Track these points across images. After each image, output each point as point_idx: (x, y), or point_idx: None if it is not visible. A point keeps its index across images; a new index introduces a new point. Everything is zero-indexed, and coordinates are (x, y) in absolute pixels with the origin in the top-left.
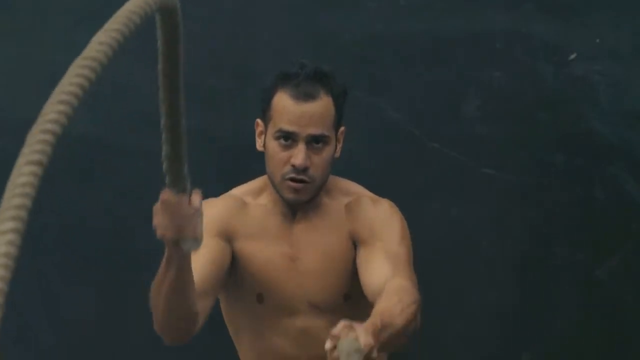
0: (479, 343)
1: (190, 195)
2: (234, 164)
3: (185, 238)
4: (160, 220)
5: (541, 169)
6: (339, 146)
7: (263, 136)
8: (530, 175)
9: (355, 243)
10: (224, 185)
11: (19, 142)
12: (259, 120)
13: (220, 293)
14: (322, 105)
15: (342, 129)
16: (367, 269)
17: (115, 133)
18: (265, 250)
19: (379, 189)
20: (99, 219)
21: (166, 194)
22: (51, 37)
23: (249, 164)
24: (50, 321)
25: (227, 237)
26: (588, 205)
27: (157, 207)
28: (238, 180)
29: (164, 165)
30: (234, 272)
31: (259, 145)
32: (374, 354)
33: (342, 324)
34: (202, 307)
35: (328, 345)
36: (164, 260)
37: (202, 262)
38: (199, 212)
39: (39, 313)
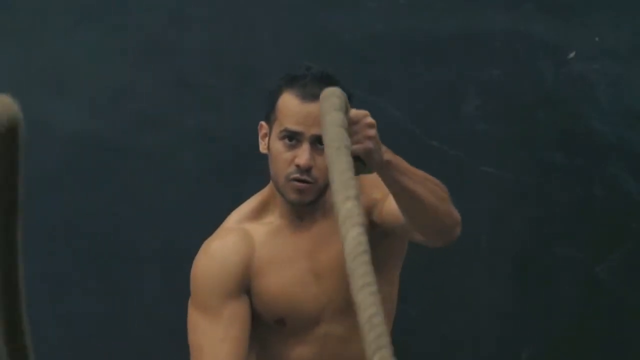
0: (479, 341)
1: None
2: (234, 164)
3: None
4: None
5: (540, 167)
6: None
7: (267, 138)
8: (529, 174)
9: (371, 213)
10: (224, 185)
11: (23, 138)
12: (262, 123)
13: None
14: None
15: None
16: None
17: (113, 133)
18: (282, 275)
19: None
20: (100, 218)
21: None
22: (51, 36)
23: (250, 164)
24: (53, 318)
25: (245, 286)
26: (587, 204)
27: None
28: (238, 180)
29: None
30: (252, 302)
31: (262, 148)
32: (367, 121)
33: None
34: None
35: None
36: None
37: (237, 337)
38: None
39: (43, 310)
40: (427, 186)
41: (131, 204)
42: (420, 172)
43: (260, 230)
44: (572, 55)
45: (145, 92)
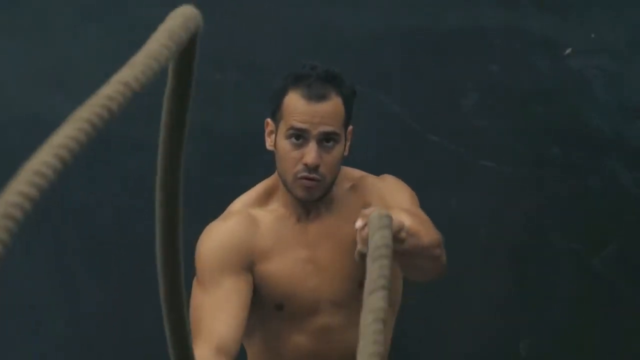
0: (477, 332)
1: None
2: (235, 158)
3: None
4: None
5: (538, 161)
6: (348, 144)
7: (273, 135)
8: (527, 168)
9: None
10: (227, 179)
11: (26, 136)
12: (268, 120)
13: None
14: (332, 105)
15: (350, 128)
16: None
17: (116, 128)
18: (285, 261)
19: None
20: (103, 211)
21: None
22: (53, 35)
23: (250, 158)
24: (57, 311)
25: (247, 265)
26: (583, 197)
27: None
28: (239, 174)
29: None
30: (253, 286)
31: (268, 145)
32: (403, 234)
33: (373, 208)
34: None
35: (359, 223)
36: None
37: (234, 308)
38: None
39: (47, 302)
40: (427, 254)
41: (135, 198)
42: (424, 241)
43: (265, 216)
44: (568, 51)
45: (148, 87)
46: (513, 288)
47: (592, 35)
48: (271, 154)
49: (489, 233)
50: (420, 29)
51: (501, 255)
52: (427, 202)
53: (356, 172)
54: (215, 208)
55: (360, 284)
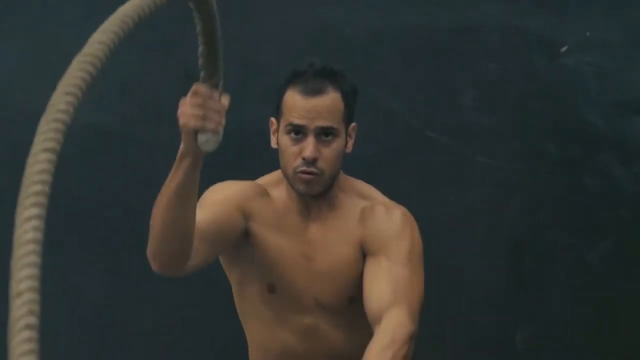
0: (474, 324)
1: (220, 94)
2: (237, 153)
3: (205, 130)
4: (185, 109)
5: (534, 157)
6: (351, 141)
7: (277, 133)
8: (523, 163)
9: (364, 252)
10: (228, 176)
11: (32, 134)
12: (272, 119)
13: (233, 277)
14: (329, 99)
15: (353, 124)
16: (369, 289)
17: (120, 125)
18: (282, 243)
19: (377, 178)
20: (108, 207)
21: (198, 86)
22: (59, 31)
23: (252, 154)
24: (62, 303)
25: (244, 213)
26: (579, 192)
27: (184, 99)
28: (241, 169)
29: (200, 61)
30: (249, 256)
31: (273, 143)
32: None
33: None
34: (199, 249)
35: None
36: (176, 161)
37: (210, 215)
38: (224, 111)
39: (52, 296)
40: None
41: (138, 193)
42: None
43: (276, 198)
44: (564, 49)
45: (151, 85)
46: (509, 281)
47: (588, 34)
48: (271, 152)
49: (486, 227)
50: (418, 27)
51: (498, 249)
52: (424, 197)
53: (371, 191)
54: None
55: (351, 299)
